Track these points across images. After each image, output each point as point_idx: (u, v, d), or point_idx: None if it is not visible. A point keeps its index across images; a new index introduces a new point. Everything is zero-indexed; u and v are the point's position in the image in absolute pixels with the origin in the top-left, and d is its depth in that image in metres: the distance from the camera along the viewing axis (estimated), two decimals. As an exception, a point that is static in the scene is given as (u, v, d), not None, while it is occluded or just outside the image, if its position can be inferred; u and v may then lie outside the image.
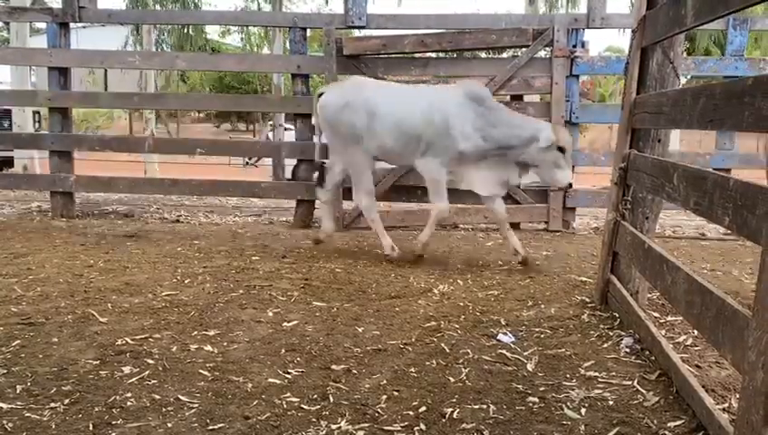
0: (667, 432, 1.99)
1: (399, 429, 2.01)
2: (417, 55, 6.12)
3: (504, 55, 12.18)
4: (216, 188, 6.63)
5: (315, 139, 4.92)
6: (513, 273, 4.19)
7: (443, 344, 2.77)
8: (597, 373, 2.46)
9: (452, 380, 2.40)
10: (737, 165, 5.87)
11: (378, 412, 2.12)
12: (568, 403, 2.19)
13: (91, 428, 1.98)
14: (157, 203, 7.47)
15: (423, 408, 2.16)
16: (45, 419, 2.04)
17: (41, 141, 6.41)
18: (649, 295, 3.37)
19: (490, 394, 2.27)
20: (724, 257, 4.85)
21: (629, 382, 2.37)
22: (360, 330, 2.97)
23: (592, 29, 5.77)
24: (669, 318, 3.14)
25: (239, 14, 11.86)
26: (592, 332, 2.96)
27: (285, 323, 3.03)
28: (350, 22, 5.90)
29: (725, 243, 5.53)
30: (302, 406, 2.16)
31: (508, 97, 6.17)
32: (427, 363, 2.56)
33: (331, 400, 2.21)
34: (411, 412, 2.12)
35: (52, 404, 2.14)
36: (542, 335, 2.92)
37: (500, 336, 2.88)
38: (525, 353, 2.68)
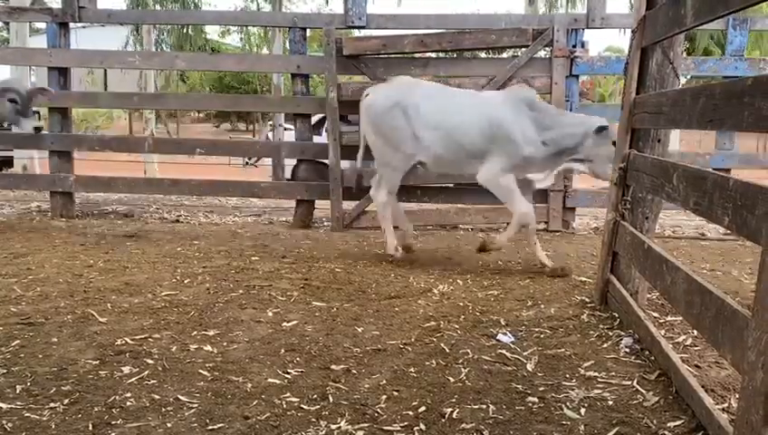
0: (666, 432, 1.99)
1: (399, 429, 2.01)
2: (416, 55, 6.12)
3: (504, 55, 12.18)
4: (216, 188, 6.64)
5: (360, 147, 4.73)
6: (513, 273, 4.19)
7: (442, 344, 2.77)
8: (596, 373, 2.46)
9: (452, 380, 2.40)
10: (737, 165, 5.87)
11: (377, 412, 2.12)
12: (567, 403, 2.19)
13: (90, 428, 1.98)
14: (156, 203, 7.47)
15: (423, 408, 2.16)
16: (45, 419, 2.04)
17: (41, 141, 6.41)
18: (649, 295, 3.37)
19: (490, 394, 2.27)
20: (723, 257, 4.85)
21: (629, 382, 2.37)
22: (359, 330, 2.97)
23: (592, 29, 5.77)
24: (669, 318, 3.14)
25: (239, 14, 11.87)
26: (592, 332, 2.96)
27: (285, 324, 3.03)
28: (349, 22, 5.90)
29: (725, 243, 5.53)
30: (302, 406, 2.16)
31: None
32: (427, 363, 2.56)
33: (331, 400, 2.21)
34: (411, 412, 2.12)
35: (52, 404, 2.13)
36: (542, 335, 2.92)
37: (500, 336, 2.88)
38: (525, 353, 2.68)
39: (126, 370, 2.44)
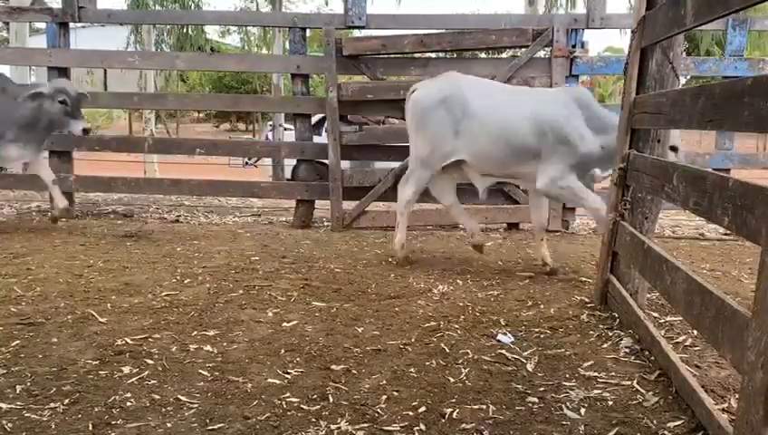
0: (666, 432, 1.99)
1: (399, 429, 2.01)
2: (416, 55, 6.13)
3: (504, 55, 12.17)
4: (216, 188, 6.64)
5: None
6: (513, 273, 4.19)
7: (442, 345, 2.77)
8: (596, 373, 2.46)
9: (452, 380, 2.40)
10: (737, 165, 5.88)
11: (377, 412, 2.12)
12: (567, 403, 2.19)
13: (90, 428, 1.98)
14: (156, 203, 7.47)
15: (423, 408, 2.16)
16: (45, 419, 2.04)
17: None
18: (649, 296, 3.37)
19: (490, 394, 2.27)
20: (723, 258, 4.85)
21: (629, 382, 2.37)
22: (359, 330, 2.97)
23: (592, 29, 5.78)
24: (669, 318, 3.14)
25: (239, 14, 11.87)
26: (592, 332, 2.96)
27: (285, 324, 3.03)
28: (349, 22, 5.90)
29: (725, 243, 5.53)
30: (302, 406, 2.16)
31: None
32: (427, 364, 2.56)
33: (331, 400, 2.21)
34: (411, 412, 2.13)
35: (52, 404, 2.14)
36: (542, 335, 2.92)
37: (499, 336, 2.88)
38: (525, 354, 2.68)
39: (126, 370, 2.44)
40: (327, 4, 22.21)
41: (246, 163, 16.66)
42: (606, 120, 3.90)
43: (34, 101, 4.91)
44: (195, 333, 2.88)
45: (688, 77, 6.28)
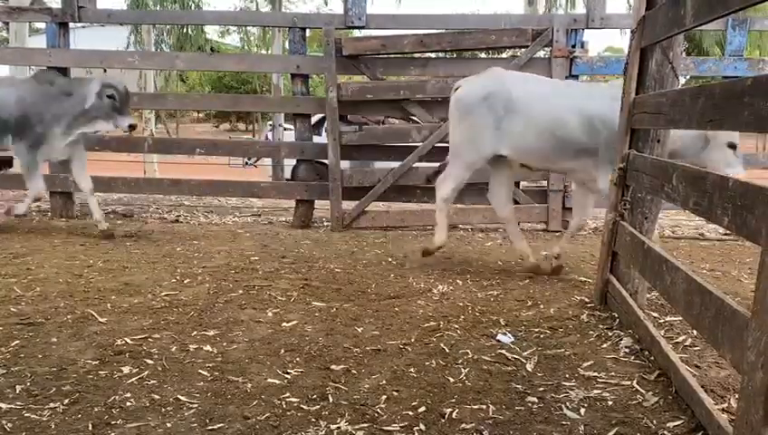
0: (666, 432, 1.99)
1: (399, 429, 2.01)
2: (416, 55, 6.13)
3: (504, 55, 12.18)
4: (216, 188, 6.64)
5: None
6: (513, 273, 4.19)
7: (442, 345, 2.77)
8: (596, 373, 2.46)
9: (451, 380, 2.40)
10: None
11: (377, 412, 2.12)
12: (567, 403, 2.19)
13: (90, 428, 1.98)
14: (156, 203, 7.47)
15: (422, 408, 2.16)
16: (45, 419, 2.04)
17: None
18: (649, 296, 3.37)
19: (489, 394, 2.27)
20: (723, 258, 4.85)
21: (629, 382, 2.37)
22: (359, 330, 2.97)
23: (592, 29, 5.78)
24: (668, 318, 3.14)
25: (239, 14, 11.88)
26: (592, 332, 2.96)
27: (285, 324, 3.03)
28: (349, 22, 5.90)
29: (724, 243, 5.53)
30: (302, 406, 2.16)
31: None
32: (427, 364, 2.56)
33: (331, 400, 2.21)
34: (411, 412, 2.12)
35: (52, 404, 2.14)
36: (542, 335, 2.92)
37: (499, 336, 2.88)
38: (525, 354, 2.68)
39: (126, 370, 2.44)
40: (326, 4, 22.22)
41: (246, 163, 16.66)
42: None
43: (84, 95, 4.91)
44: (194, 333, 2.88)
45: (688, 77, 6.27)
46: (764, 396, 1.37)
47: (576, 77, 5.81)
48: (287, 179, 10.08)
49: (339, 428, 2.01)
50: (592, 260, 4.44)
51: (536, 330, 2.99)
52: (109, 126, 5.09)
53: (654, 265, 2.46)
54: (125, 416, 2.07)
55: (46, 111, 4.95)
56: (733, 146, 3.66)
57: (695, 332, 2.79)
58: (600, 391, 2.29)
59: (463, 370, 2.49)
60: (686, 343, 2.79)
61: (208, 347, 2.70)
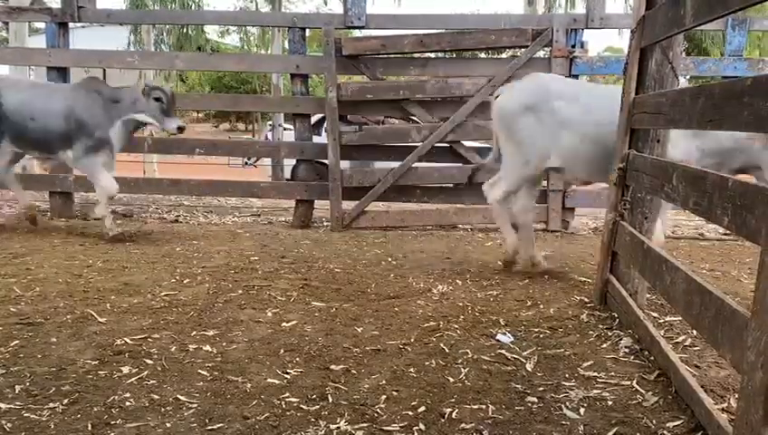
0: (665, 432, 1.99)
1: (398, 429, 2.01)
2: (416, 55, 6.13)
3: (504, 55, 12.18)
4: (216, 188, 6.64)
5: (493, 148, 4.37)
6: (513, 273, 4.19)
7: (442, 344, 2.77)
8: (596, 373, 2.46)
9: (451, 380, 2.40)
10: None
11: (377, 412, 2.12)
12: (567, 403, 2.19)
13: (89, 428, 1.98)
14: (156, 203, 7.47)
15: (422, 408, 2.16)
16: (44, 419, 2.03)
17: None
18: (648, 296, 3.37)
19: (489, 394, 2.27)
20: (722, 258, 4.85)
21: (628, 382, 2.37)
22: (359, 330, 2.97)
23: (591, 29, 5.78)
24: (668, 318, 3.14)
25: (239, 14, 11.87)
26: (591, 332, 2.96)
27: (284, 324, 3.03)
28: (349, 22, 5.91)
29: (724, 243, 5.53)
30: (301, 406, 2.16)
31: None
32: (426, 363, 2.56)
33: (330, 400, 2.21)
34: (410, 412, 2.12)
35: (51, 404, 2.13)
36: (541, 335, 2.92)
37: (499, 336, 2.88)
38: (524, 353, 2.68)
39: (125, 370, 2.44)
40: (326, 4, 22.22)
41: (246, 163, 16.65)
42: None
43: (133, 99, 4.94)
44: (194, 333, 2.88)
45: (687, 77, 6.27)
46: (764, 396, 1.37)
47: (576, 77, 5.81)
48: (287, 179, 10.09)
49: (338, 428, 2.01)
50: (592, 260, 4.44)
51: (536, 330, 2.99)
52: (156, 128, 5.11)
53: (654, 265, 2.46)
54: (124, 416, 2.06)
55: (100, 118, 4.96)
56: None
57: (694, 332, 2.79)
58: (599, 391, 2.29)
59: (462, 370, 2.49)
60: (686, 343, 2.79)
61: (208, 347, 2.70)
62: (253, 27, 19.33)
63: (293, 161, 7.37)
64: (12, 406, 2.11)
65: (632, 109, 3.08)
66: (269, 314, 3.19)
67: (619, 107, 3.33)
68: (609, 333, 2.92)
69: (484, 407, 2.16)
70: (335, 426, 2.01)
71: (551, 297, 3.57)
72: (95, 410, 2.10)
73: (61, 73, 6.22)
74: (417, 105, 5.92)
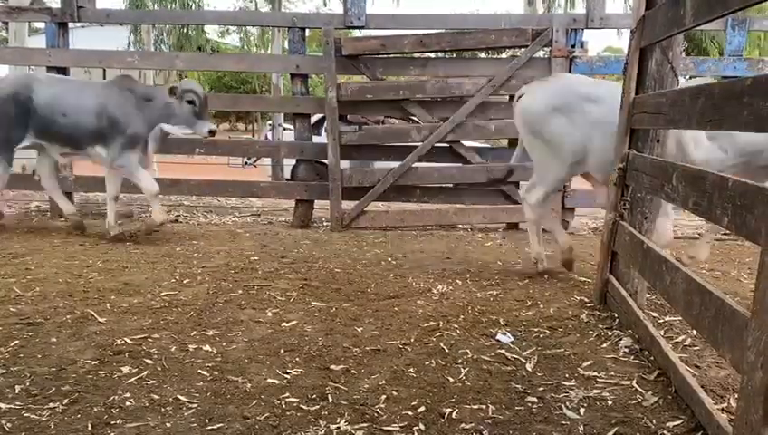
0: (665, 432, 1.99)
1: (398, 429, 2.01)
2: (416, 55, 6.13)
3: (504, 55, 12.19)
4: (215, 188, 6.64)
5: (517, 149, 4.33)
6: (512, 273, 4.19)
7: (442, 344, 2.77)
8: (596, 373, 2.46)
9: (451, 380, 2.40)
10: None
11: (377, 412, 2.12)
12: (567, 403, 2.19)
13: (89, 428, 1.98)
14: (156, 203, 7.44)
15: (422, 408, 2.16)
16: (44, 419, 2.04)
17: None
18: (648, 295, 3.37)
19: (489, 394, 2.27)
20: (722, 257, 4.85)
21: (628, 382, 2.37)
22: (358, 330, 2.97)
23: (591, 29, 5.78)
24: (668, 318, 3.14)
25: (238, 14, 11.87)
26: (591, 332, 2.96)
27: (284, 324, 3.03)
28: (349, 22, 5.90)
29: (724, 243, 5.53)
30: (301, 406, 2.16)
31: (507, 97, 6.18)
32: (426, 363, 2.56)
33: (330, 400, 2.21)
34: (410, 412, 2.12)
35: (51, 404, 2.13)
36: (541, 335, 2.92)
37: (499, 336, 2.88)
38: (524, 353, 2.68)
39: (125, 370, 2.44)
40: (326, 5, 22.17)
41: (246, 163, 16.63)
42: None
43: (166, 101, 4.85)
44: (194, 332, 2.88)
45: (687, 77, 6.28)
46: (764, 396, 1.37)
47: (575, 77, 5.81)
48: (287, 179, 10.08)
49: (338, 428, 2.01)
50: (592, 260, 4.44)
51: (536, 330, 2.99)
52: (187, 131, 4.99)
53: (653, 265, 2.46)
54: (124, 416, 2.06)
55: (132, 116, 4.89)
56: None
57: (694, 332, 2.79)
58: (599, 391, 2.29)
59: (462, 370, 2.49)
60: (686, 343, 2.79)
61: (208, 347, 2.70)
62: (253, 27, 19.33)
63: (293, 161, 7.36)
64: (12, 406, 2.11)
65: (632, 109, 3.08)
66: (269, 314, 3.19)
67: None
68: (609, 333, 2.92)
69: (484, 407, 2.16)
70: (335, 426, 2.01)
71: (551, 297, 3.57)
72: (95, 410, 2.10)
73: (60, 73, 6.21)
74: (417, 105, 5.92)
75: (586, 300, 3.49)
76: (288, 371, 2.46)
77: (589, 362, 2.57)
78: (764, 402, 1.37)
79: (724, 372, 2.43)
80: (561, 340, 2.86)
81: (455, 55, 8.34)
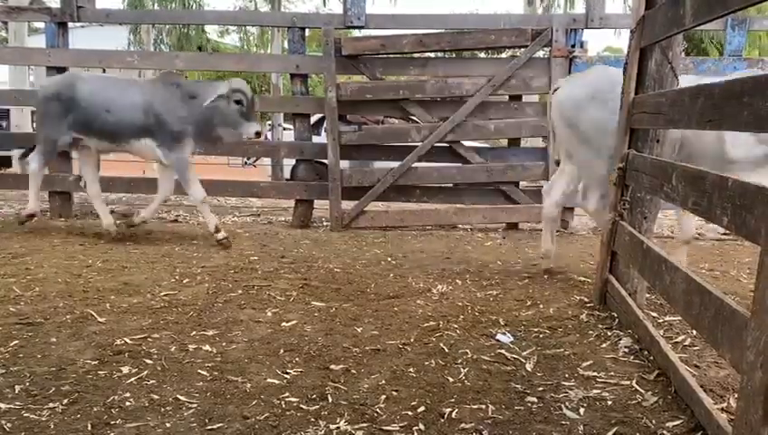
0: (665, 432, 1.99)
1: (398, 429, 2.01)
2: (415, 55, 6.13)
3: (503, 55, 12.18)
4: (215, 187, 6.63)
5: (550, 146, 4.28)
6: (512, 273, 4.19)
7: (442, 344, 2.77)
8: (595, 373, 2.46)
9: (451, 380, 2.40)
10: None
11: (376, 412, 2.12)
12: (566, 403, 2.19)
13: (89, 428, 1.98)
14: (155, 203, 7.44)
15: (422, 408, 2.16)
16: (44, 419, 2.04)
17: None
18: (648, 295, 3.37)
19: (489, 394, 2.27)
20: (722, 257, 4.85)
21: (628, 382, 2.37)
22: (358, 330, 2.97)
23: (591, 29, 5.78)
24: (668, 318, 3.14)
25: (238, 13, 11.86)
26: (591, 332, 2.96)
27: (284, 324, 3.03)
28: (348, 22, 5.91)
29: (724, 243, 5.53)
30: (301, 406, 2.16)
31: (507, 97, 6.18)
32: (426, 363, 2.56)
33: (330, 400, 2.21)
34: (410, 412, 2.12)
35: (51, 404, 2.13)
36: (541, 335, 2.92)
37: (499, 336, 2.88)
38: (524, 353, 2.68)
39: (125, 370, 2.44)
40: (325, 4, 22.12)
41: (245, 163, 16.62)
42: None
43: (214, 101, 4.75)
44: (194, 332, 2.88)
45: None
46: (764, 396, 1.37)
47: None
48: (286, 179, 10.08)
49: (338, 428, 2.01)
50: (592, 260, 4.44)
51: (535, 330, 2.99)
52: (234, 132, 4.89)
53: (653, 265, 2.46)
54: (124, 416, 2.06)
55: (178, 112, 4.80)
56: None
57: (694, 331, 2.79)
58: (599, 391, 2.30)
59: (462, 369, 2.49)
60: (686, 343, 2.79)
61: (207, 347, 2.70)
62: (252, 27, 19.33)
63: (293, 161, 7.37)
64: (12, 406, 2.11)
65: (632, 109, 3.08)
66: (269, 313, 3.19)
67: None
68: (609, 333, 2.92)
69: (483, 407, 2.16)
70: (335, 426, 2.01)
71: (550, 297, 3.57)
72: (95, 410, 2.10)
73: (60, 73, 6.21)
74: (417, 105, 5.93)
75: (586, 300, 3.49)
76: (288, 371, 2.46)
77: (588, 362, 2.57)
78: (764, 402, 1.37)
79: (723, 372, 2.43)
80: (561, 340, 2.86)
81: (454, 55, 8.35)
